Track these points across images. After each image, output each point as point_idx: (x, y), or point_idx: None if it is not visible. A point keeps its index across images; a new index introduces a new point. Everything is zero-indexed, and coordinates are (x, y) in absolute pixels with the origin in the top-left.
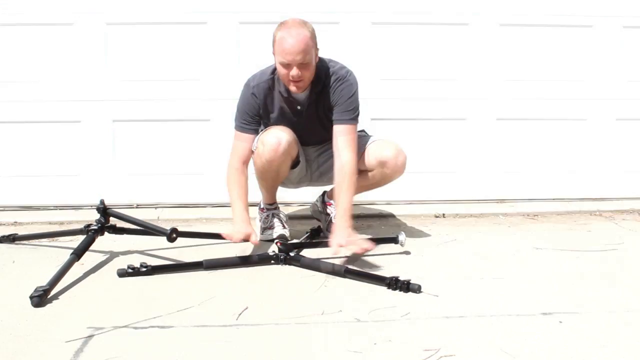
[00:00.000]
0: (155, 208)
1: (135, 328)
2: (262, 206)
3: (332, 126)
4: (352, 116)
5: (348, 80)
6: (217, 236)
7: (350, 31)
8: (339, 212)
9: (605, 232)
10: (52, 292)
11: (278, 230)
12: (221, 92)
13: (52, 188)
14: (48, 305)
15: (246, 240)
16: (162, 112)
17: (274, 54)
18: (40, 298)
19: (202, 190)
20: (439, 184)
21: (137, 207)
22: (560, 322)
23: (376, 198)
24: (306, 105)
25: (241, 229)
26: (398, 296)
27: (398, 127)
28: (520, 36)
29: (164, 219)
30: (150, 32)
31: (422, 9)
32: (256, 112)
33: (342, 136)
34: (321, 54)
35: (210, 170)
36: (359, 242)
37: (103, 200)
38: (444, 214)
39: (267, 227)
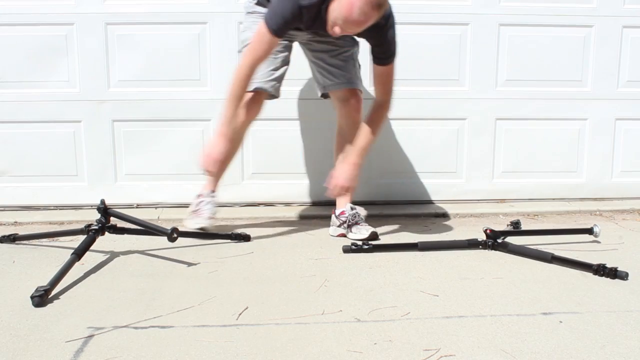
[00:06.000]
0: (156, 208)
1: (135, 328)
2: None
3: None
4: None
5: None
6: (217, 236)
7: None
8: (352, 148)
9: (605, 232)
10: (53, 292)
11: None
12: (221, 92)
13: (52, 188)
14: (49, 305)
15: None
16: (162, 112)
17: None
18: (41, 298)
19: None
20: (439, 183)
21: (137, 207)
22: (560, 322)
23: (376, 198)
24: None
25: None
26: (398, 296)
27: (398, 128)
28: (520, 36)
29: (165, 218)
30: (150, 32)
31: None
32: (293, 26)
33: (378, 77)
34: None
35: None
36: (339, 185)
37: (104, 200)
38: (444, 214)
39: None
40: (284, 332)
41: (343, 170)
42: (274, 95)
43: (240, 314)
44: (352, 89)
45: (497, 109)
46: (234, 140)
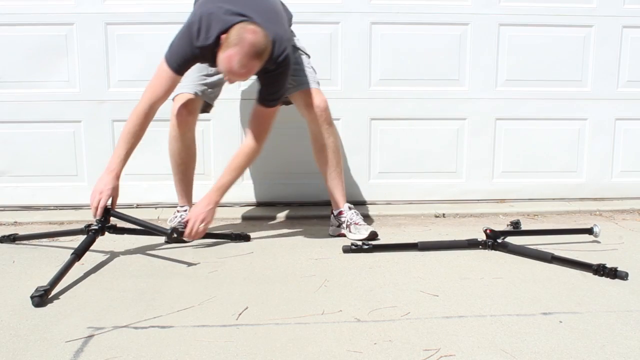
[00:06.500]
0: (156, 208)
1: (135, 328)
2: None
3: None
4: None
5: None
6: (216, 236)
7: (351, 31)
8: (215, 186)
9: (605, 232)
10: (53, 292)
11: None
12: (220, 93)
13: (52, 188)
14: (49, 305)
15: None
16: (162, 112)
17: (220, 44)
18: (41, 298)
19: (202, 190)
20: (439, 183)
21: (137, 207)
22: (560, 322)
23: (376, 198)
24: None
25: (108, 184)
26: (398, 296)
27: (398, 127)
28: (520, 36)
29: (164, 218)
30: (150, 32)
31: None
32: (195, 63)
33: (257, 117)
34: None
35: (210, 170)
36: (195, 226)
37: None
38: (444, 214)
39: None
40: (284, 332)
41: (200, 214)
42: (207, 103)
43: (240, 314)
44: (307, 91)
45: (497, 109)
46: (184, 152)
